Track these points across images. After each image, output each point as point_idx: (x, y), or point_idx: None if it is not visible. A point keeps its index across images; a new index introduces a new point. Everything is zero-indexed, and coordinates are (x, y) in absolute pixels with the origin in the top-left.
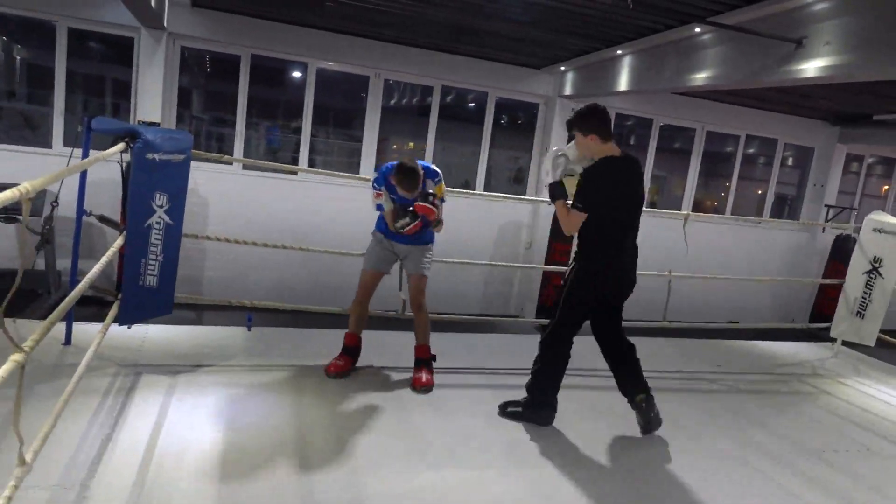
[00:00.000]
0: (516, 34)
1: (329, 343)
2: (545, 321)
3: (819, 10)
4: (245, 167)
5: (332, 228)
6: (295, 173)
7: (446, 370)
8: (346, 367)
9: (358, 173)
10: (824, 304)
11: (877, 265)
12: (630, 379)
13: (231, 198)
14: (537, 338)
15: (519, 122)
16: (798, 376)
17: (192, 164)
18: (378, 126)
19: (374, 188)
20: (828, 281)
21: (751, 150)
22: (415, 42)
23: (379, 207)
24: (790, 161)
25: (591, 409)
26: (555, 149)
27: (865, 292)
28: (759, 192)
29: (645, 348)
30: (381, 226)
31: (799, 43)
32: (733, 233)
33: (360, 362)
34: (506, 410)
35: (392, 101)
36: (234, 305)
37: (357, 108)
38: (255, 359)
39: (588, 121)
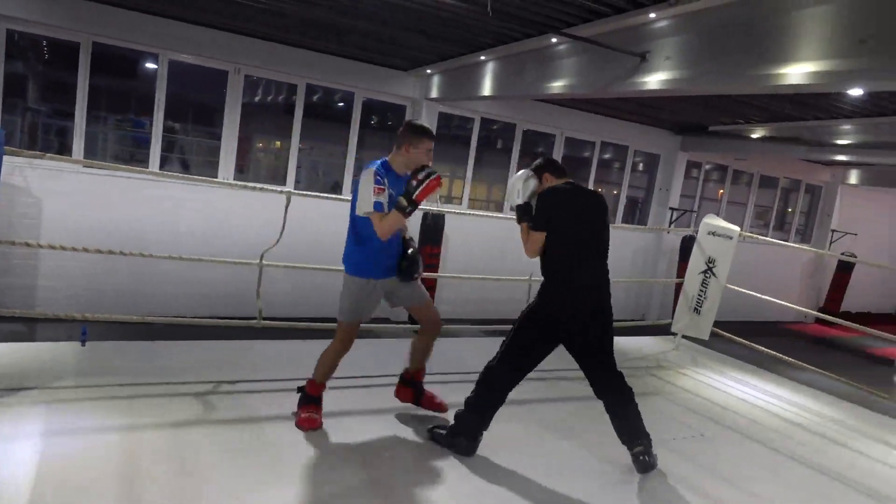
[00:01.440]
0: (382, 35)
1: (178, 357)
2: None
3: (660, 27)
4: (87, 165)
5: (188, 233)
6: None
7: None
8: (320, 419)
9: (216, 173)
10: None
11: (711, 265)
12: (624, 427)
13: (70, 199)
14: (408, 341)
15: (389, 124)
16: (644, 368)
17: (22, 161)
18: (238, 124)
19: (377, 181)
20: (670, 280)
21: (606, 156)
22: (278, 38)
23: (377, 206)
24: (640, 167)
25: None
26: (524, 171)
27: (702, 290)
28: (615, 192)
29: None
30: (367, 266)
31: (643, 57)
32: None
33: (211, 377)
34: (432, 433)
35: (256, 98)
36: (62, 319)
37: (217, 105)
38: (87, 378)
39: (542, 168)
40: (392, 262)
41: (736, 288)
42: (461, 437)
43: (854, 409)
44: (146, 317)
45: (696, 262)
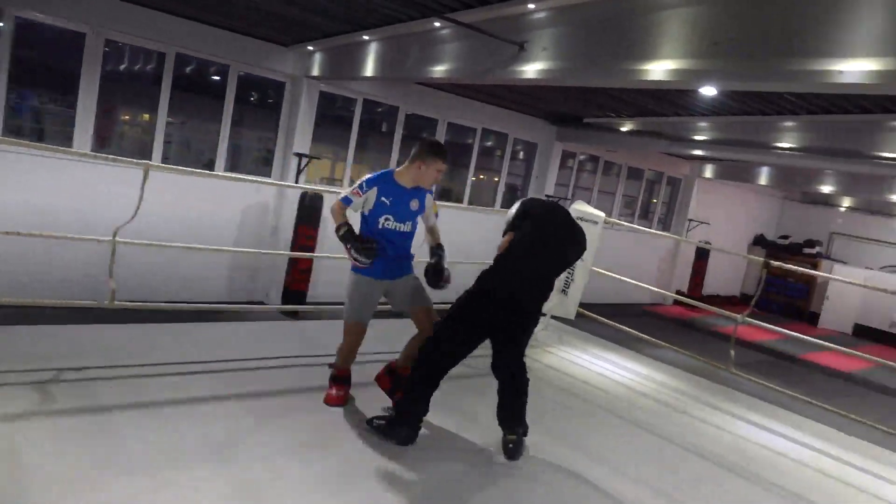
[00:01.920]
0: (261, 6)
1: (19, 343)
2: (292, 307)
3: (538, 18)
4: None
5: (37, 208)
6: None
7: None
8: (345, 396)
9: (71, 144)
10: None
11: None
12: (507, 412)
13: None
14: (285, 324)
15: (269, 101)
16: None
17: None
18: (96, 92)
19: (360, 187)
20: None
21: (488, 143)
22: (144, 1)
23: (346, 200)
24: (520, 155)
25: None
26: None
27: (569, 273)
28: (496, 179)
29: (381, 328)
30: (374, 265)
31: (521, 46)
32: (472, 219)
33: (56, 364)
34: (371, 424)
35: (121, 66)
36: None
37: (75, 71)
38: None
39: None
40: (393, 264)
41: (601, 271)
42: (403, 426)
43: (698, 380)
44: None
45: None
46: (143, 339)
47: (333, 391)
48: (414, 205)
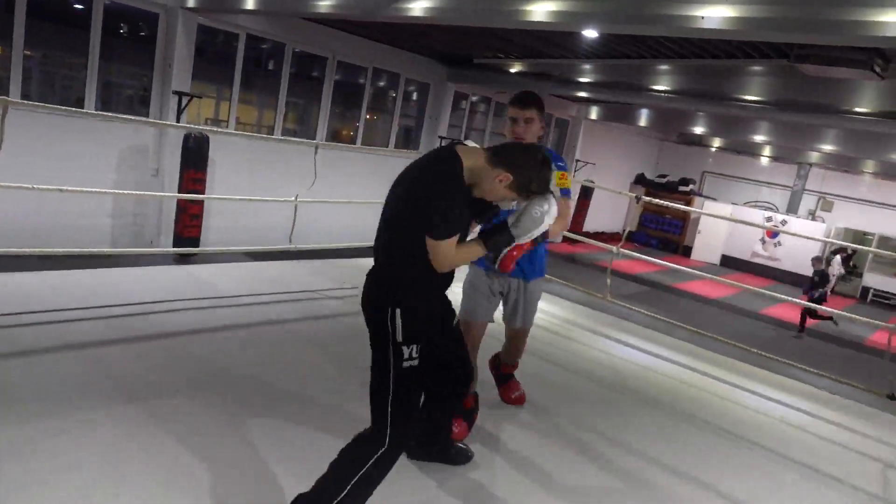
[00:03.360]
0: None
1: None
2: (183, 250)
3: None
4: None
5: None
6: None
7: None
8: (462, 433)
9: None
10: None
11: None
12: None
13: None
14: (174, 268)
15: (142, 35)
16: None
17: None
18: None
19: None
20: None
21: (381, 83)
22: None
23: None
24: (414, 96)
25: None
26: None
27: None
28: (391, 121)
29: (273, 270)
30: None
31: None
32: (364, 161)
33: None
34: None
35: None
36: None
37: None
38: None
39: None
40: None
41: None
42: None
43: (579, 308)
44: None
45: None
46: (18, 288)
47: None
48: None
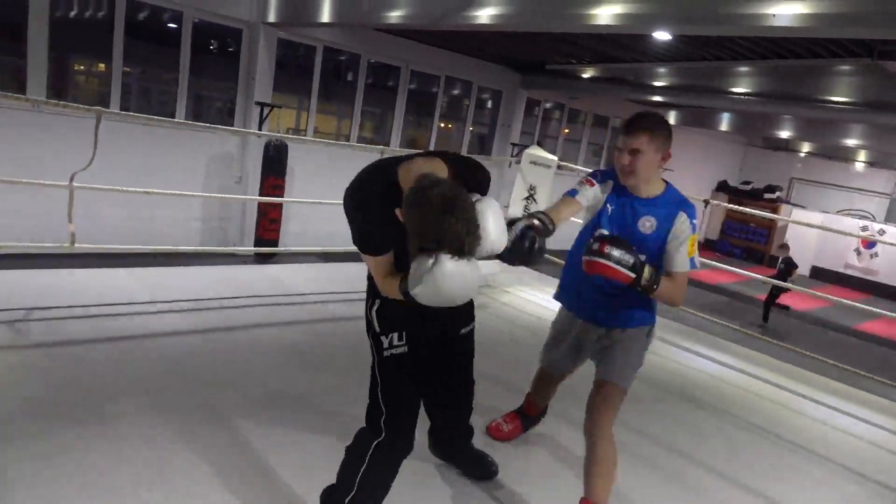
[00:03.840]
0: None
1: (33, 285)
2: (262, 249)
3: None
4: None
5: None
6: None
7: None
8: (514, 432)
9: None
10: None
11: (532, 192)
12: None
13: None
14: (258, 267)
15: (228, 50)
16: None
17: None
18: (47, 40)
19: (596, 178)
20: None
21: (455, 92)
22: None
23: (571, 193)
24: (489, 104)
25: None
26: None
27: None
28: (471, 129)
29: (345, 271)
30: (563, 287)
31: None
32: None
33: (23, 304)
34: None
35: (71, 13)
36: None
37: (21, 19)
38: None
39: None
40: (599, 303)
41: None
42: None
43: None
44: None
45: (518, 190)
46: (107, 282)
47: (499, 420)
48: (647, 224)
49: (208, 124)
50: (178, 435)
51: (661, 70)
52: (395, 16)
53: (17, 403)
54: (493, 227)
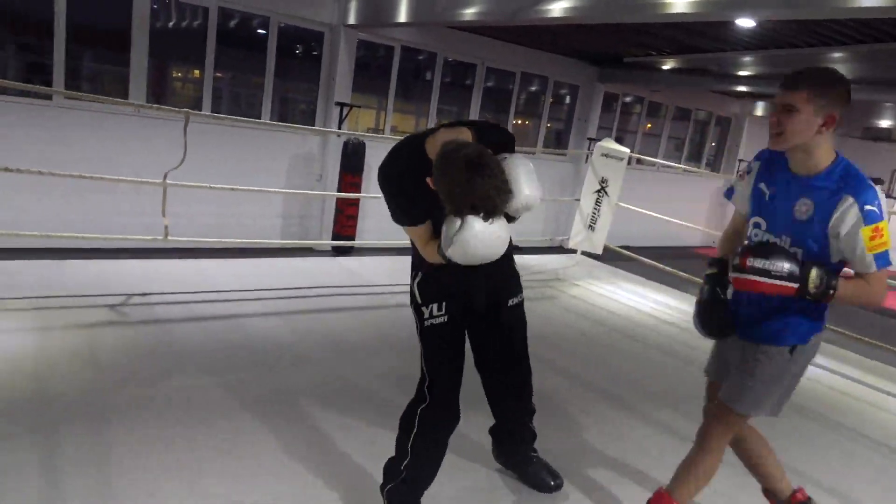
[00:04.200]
0: None
1: (85, 273)
2: (340, 243)
3: None
4: None
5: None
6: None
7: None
8: None
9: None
10: None
11: (604, 185)
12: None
13: None
14: (334, 260)
15: (312, 53)
16: (543, 280)
17: None
18: (147, 49)
19: (748, 167)
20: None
21: (533, 88)
22: None
23: (728, 194)
24: (567, 99)
25: None
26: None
27: (595, 208)
28: (548, 126)
29: None
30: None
31: None
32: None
33: (122, 290)
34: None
35: (170, 23)
36: None
37: (123, 28)
38: None
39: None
40: (746, 314)
41: (627, 206)
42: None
43: None
44: (50, 234)
45: (590, 182)
46: (197, 271)
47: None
48: (802, 209)
49: (290, 125)
50: (250, 410)
51: (747, 59)
52: (469, 13)
53: (121, 374)
54: (525, 181)
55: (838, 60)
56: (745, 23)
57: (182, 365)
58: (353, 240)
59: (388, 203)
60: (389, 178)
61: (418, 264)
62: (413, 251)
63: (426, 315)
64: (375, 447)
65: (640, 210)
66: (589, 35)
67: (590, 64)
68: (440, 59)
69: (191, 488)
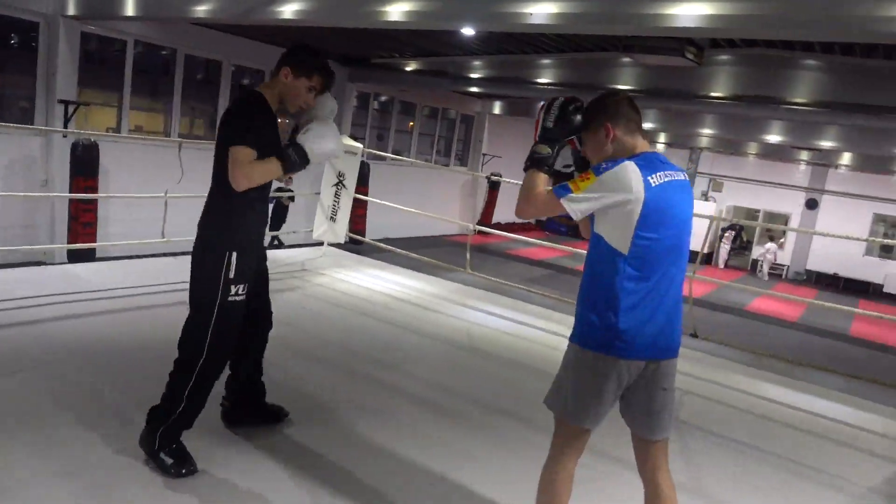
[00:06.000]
0: None
1: None
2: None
3: None
4: None
5: None
6: None
7: None
8: None
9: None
10: None
11: (342, 178)
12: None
13: None
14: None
15: (31, 45)
16: (289, 273)
17: None
18: None
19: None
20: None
21: None
22: None
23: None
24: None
25: None
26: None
27: (335, 201)
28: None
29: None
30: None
31: None
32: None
33: None
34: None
35: None
36: None
37: None
38: None
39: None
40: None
41: (384, 202)
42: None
43: (444, 283)
44: None
45: (328, 177)
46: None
47: None
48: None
49: (3, 124)
50: None
51: (477, 62)
52: (201, 10)
53: None
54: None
55: (545, 66)
56: (468, 31)
57: None
58: (94, 252)
59: (229, 126)
60: (248, 108)
61: (229, 241)
62: (221, 225)
63: (232, 292)
64: None
65: (393, 205)
66: (337, 36)
67: (340, 65)
68: (181, 56)
69: None
